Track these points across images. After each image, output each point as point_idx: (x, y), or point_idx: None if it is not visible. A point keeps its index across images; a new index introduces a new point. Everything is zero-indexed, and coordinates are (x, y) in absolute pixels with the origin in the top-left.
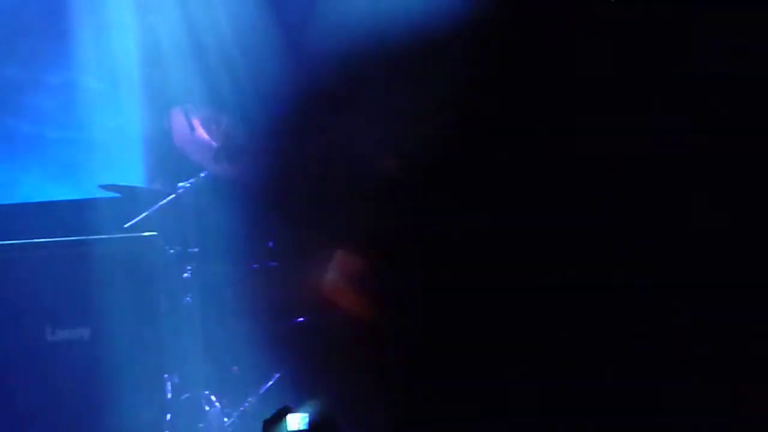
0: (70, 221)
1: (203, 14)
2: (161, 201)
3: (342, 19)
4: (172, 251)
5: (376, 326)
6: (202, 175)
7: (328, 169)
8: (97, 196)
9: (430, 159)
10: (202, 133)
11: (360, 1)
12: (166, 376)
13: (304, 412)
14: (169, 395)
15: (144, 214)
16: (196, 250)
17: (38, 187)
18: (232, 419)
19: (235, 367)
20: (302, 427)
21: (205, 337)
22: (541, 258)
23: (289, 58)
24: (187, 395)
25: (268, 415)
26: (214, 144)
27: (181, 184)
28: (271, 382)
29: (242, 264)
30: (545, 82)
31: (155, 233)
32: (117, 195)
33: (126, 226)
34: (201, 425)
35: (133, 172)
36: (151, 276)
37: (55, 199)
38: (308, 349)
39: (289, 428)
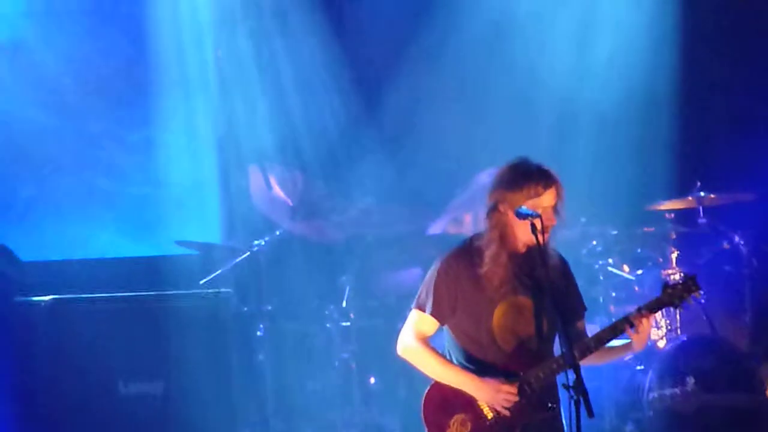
0: (146, 277)
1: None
2: (236, 258)
3: None
4: (245, 309)
5: None
6: (278, 233)
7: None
8: (174, 252)
9: None
10: (278, 191)
11: None
12: None
13: None
14: None
15: (219, 271)
16: (270, 308)
17: (114, 242)
18: None
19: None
20: None
21: (277, 396)
22: None
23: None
24: None
25: None
26: (290, 202)
27: (256, 242)
28: None
29: (316, 323)
30: None
31: (230, 290)
32: (193, 251)
33: (201, 282)
34: None
35: (209, 229)
36: (225, 333)
37: (131, 255)
38: None
39: None
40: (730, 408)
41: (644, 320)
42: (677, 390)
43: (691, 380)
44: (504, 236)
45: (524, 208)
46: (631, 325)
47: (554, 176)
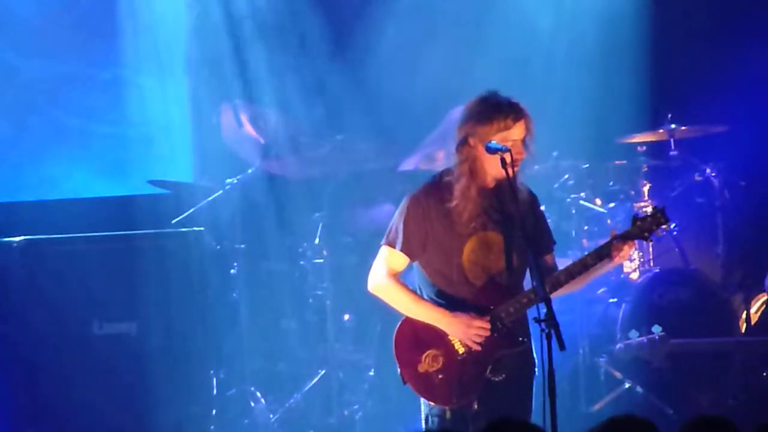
0: (119, 217)
1: (252, 8)
2: (209, 197)
3: None
4: (218, 247)
5: None
6: (250, 171)
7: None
8: (146, 192)
9: None
10: (249, 129)
11: None
12: (212, 371)
13: None
14: (215, 391)
15: (191, 210)
16: (243, 246)
17: (87, 182)
18: (278, 415)
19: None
20: None
21: (252, 333)
22: None
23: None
24: (233, 391)
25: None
26: (261, 140)
27: (228, 181)
28: (316, 379)
29: (289, 260)
30: None
31: (202, 229)
32: (165, 191)
33: (174, 221)
34: (246, 421)
35: (181, 168)
36: (198, 272)
37: (103, 194)
38: None
39: None
40: (699, 353)
41: (617, 252)
42: (644, 339)
43: (657, 328)
44: (474, 170)
45: (494, 142)
46: (601, 259)
47: (524, 109)
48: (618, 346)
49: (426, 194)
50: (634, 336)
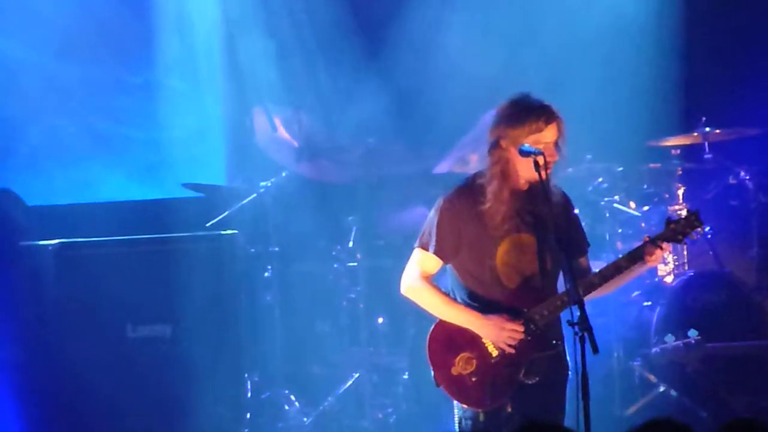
0: (153, 220)
1: (286, 13)
2: (243, 200)
3: None
4: (252, 250)
5: None
6: (284, 174)
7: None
8: (180, 195)
9: None
10: (283, 132)
11: None
12: (246, 374)
13: None
14: (249, 394)
15: (225, 213)
16: (277, 249)
17: (121, 186)
18: (311, 419)
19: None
20: None
21: (285, 337)
22: None
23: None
24: (266, 394)
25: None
26: (295, 143)
27: (262, 184)
28: (349, 383)
29: (323, 264)
30: None
31: (236, 232)
32: (199, 194)
33: (207, 225)
34: (280, 424)
35: (215, 172)
36: (232, 275)
37: (137, 198)
38: None
39: None
40: (734, 357)
41: (650, 255)
42: (680, 343)
43: (693, 332)
44: (506, 172)
45: (527, 145)
46: (635, 262)
47: (555, 112)
48: (654, 349)
49: (459, 197)
50: (670, 340)
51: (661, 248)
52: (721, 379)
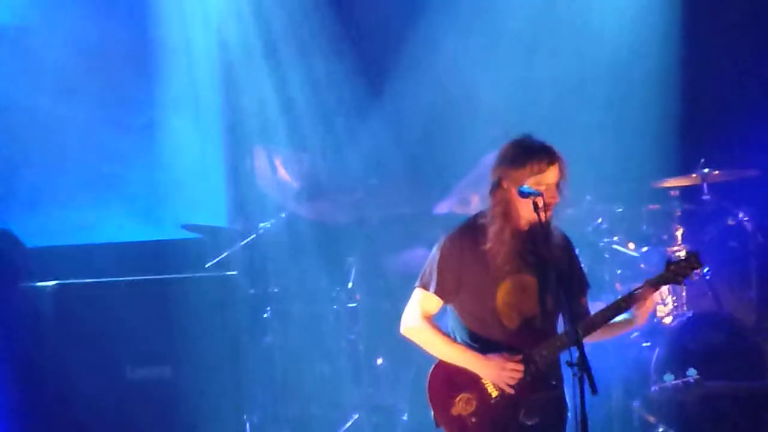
0: (152, 261)
1: (291, 67)
2: (243, 241)
3: None
4: (252, 291)
5: None
6: (283, 215)
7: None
8: (180, 236)
9: None
10: (283, 173)
11: None
12: (245, 416)
13: None
14: None
15: (225, 254)
16: (277, 290)
17: (120, 227)
18: None
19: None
20: None
21: (285, 377)
22: None
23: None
24: None
25: None
26: (295, 184)
27: (262, 225)
28: (349, 424)
29: (323, 304)
30: None
31: (235, 273)
32: (199, 235)
33: (207, 265)
34: None
35: (215, 212)
36: (232, 316)
37: (137, 239)
38: None
39: None
40: (734, 396)
41: (647, 297)
42: (679, 382)
43: (692, 371)
44: (507, 213)
45: (526, 186)
46: (634, 303)
47: (557, 153)
48: (653, 388)
49: (460, 237)
50: (669, 379)
51: (652, 292)
52: (720, 418)
